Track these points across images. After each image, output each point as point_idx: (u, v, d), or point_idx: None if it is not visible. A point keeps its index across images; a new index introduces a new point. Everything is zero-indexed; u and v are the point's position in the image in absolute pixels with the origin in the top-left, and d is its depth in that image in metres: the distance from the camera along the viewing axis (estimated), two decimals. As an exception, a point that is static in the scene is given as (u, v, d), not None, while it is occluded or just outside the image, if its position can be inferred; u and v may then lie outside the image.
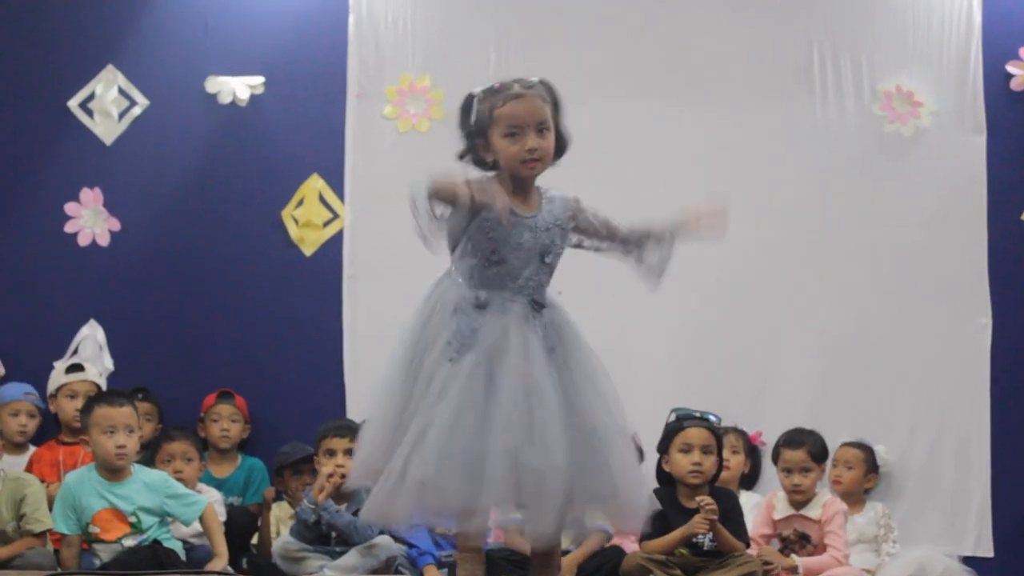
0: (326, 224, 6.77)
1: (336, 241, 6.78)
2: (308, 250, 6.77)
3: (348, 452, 5.60)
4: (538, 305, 4.00)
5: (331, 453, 5.76)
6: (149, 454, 6.09)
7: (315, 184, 6.78)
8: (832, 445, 6.31)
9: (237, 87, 6.79)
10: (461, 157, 4.05)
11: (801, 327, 6.70)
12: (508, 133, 3.94)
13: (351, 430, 5.69)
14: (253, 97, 6.79)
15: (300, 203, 6.77)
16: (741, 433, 6.40)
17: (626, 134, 6.60)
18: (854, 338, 6.69)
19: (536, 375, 3.87)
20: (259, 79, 6.80)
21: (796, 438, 6.14)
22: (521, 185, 4.00)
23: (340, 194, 6.78)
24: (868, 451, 6.35)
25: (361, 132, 6.78)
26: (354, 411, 6.51)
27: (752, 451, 6.50)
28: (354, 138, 6.78)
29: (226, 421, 6.50)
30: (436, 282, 4.03)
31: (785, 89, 6.78)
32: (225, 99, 6.79)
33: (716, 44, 6.81)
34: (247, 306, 6.76)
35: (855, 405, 6.61)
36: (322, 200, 6.77)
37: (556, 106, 4.03)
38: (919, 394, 6.66)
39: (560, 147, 4.04)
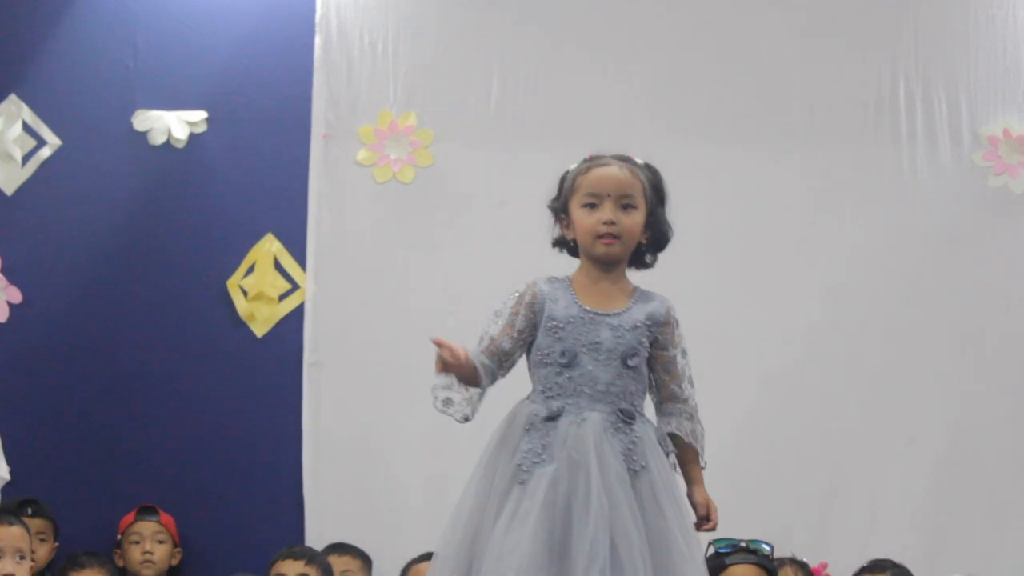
0: (283, 297, 6.67)
1: (295, 318, 6.65)
2: (260, 329, 6.65)
3: (303, 580, 5.82)
4: (626, 416, 4.06)
5: (282, 582, 5.82)
6: (49, 586, 6.03)
7: (270, 247, 6.68)
8: (926, 583, 6.16)
9: (173, 124, 6.69)
10: (554, 244, 4.27)
11: (883, 432, 6.53)
12: (586, 203, 4.11)
13: (306, 555, 5.91)
14: (193, 137, 6.70)
15: (251, 270, 6.67)
16: (801, 565, 6.19)
17: (672, 185, 6.36)
18: (953, 447, 6.52)
19: (615, 499, 3.95)
20: (200, 114, 6.70)
21: (879, 563, 6.03)
22: (604, 276, 4.14)
23: (301, 260, 6.66)
24: None
25: (328, 182, 6.66)
26: (315, 534, 6.40)
27: (817, 588, 6.32)
28: (319, 190, 6.66)
29: (149, 542, 6.31)
30: (516, 404, 4.17)
31: (865, 134, 6.66)
32: (158, 139, 6.68)
33: (780, 80, 6.67)
34: (181, 399, 6.61)
35: (954, 533, 6.46)
36: (278, 267, 6.68)
37: (657, 192, 4.19)
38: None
39: (657, 240, 4.21)
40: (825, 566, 6.29)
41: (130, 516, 6.34)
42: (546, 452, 4.00)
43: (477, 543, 4.02)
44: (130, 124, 6.64)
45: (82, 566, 5.94)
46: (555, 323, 4.08)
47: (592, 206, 4.09)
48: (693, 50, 6.70)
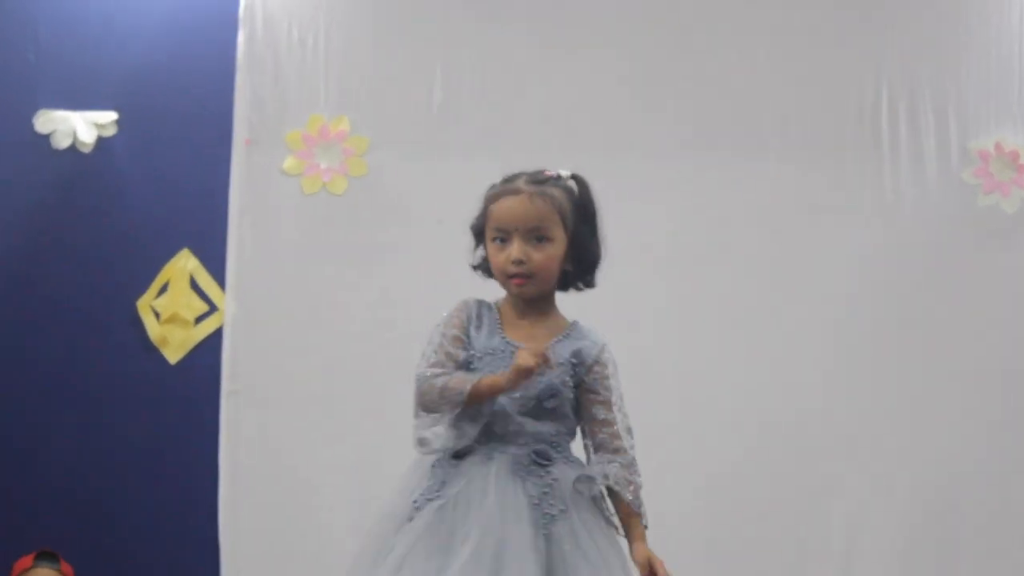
0: (199, 320, 6.59)
1: (213, 343, 6.57)
2: (173, 355, 6.58)
3: (216, 635, 5.89)
4: (542, 458, 4.00)
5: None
6: (-66, 643, 5.79)
7: (185, 264, 6.59)
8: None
9: (79, 126, 6.59)
10: (475, 267, 4.21)
11: (867, 475, 6.50)
12: (495, 237, 4.06)
13: (221, 607, 5.97)
14: (101, 140, 6.59)
15: (164, 290, 6.59)
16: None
17: (626, 202, 6.12)
18: (944, 490, 6.49)
19: (514, 543, 3.87)
20: (110, 116, 6.59)
21: None
22: (530, 309, 4.09)
23: (220, 279, 6.56)
24: None
25: (251, 193, 6.57)
26: (231, 578, 6.40)
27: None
28: (241, 201, 6.56)
29: (46, 592, 6.13)
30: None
31: (843, 147, 6.59)
32: (62, 142, 6.57)
33: (752, 86, 6.62)
34: (86, 431, 6.49)
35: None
36: (195, 286, 6.60)
37: (581, 210, 4.08)
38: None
39: (584, 265, 4.10)
40: (800, 614, 6.38)
41: (27, 561, 6.20)
42: (443, 489, 3.96)
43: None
44: (31, 125, 6.55)
45: (-29, 611, 5.82)
46: (473, 353, 4.03)
47: (502, 240, 4.02)
48: (655, 53, 6.62)
